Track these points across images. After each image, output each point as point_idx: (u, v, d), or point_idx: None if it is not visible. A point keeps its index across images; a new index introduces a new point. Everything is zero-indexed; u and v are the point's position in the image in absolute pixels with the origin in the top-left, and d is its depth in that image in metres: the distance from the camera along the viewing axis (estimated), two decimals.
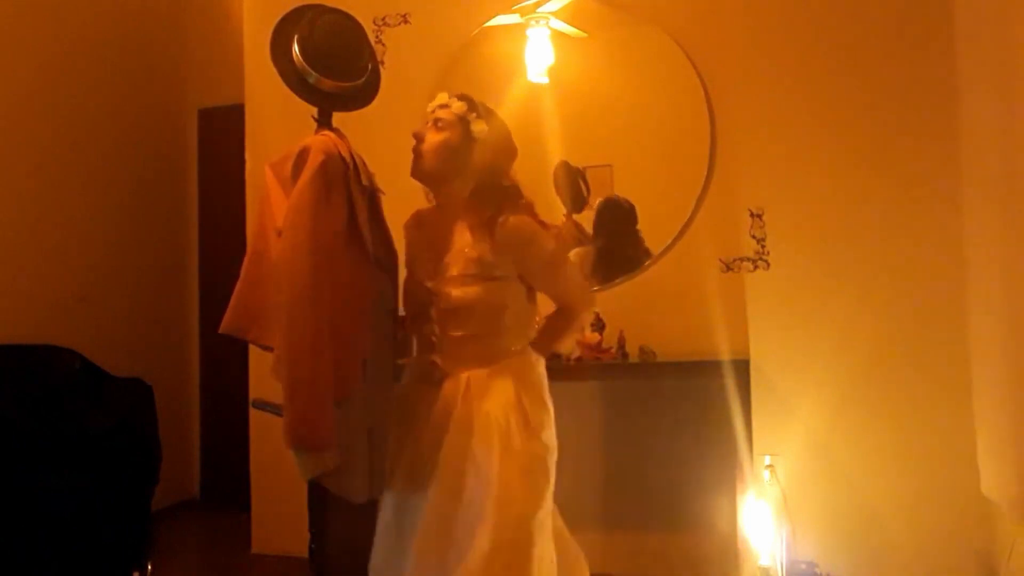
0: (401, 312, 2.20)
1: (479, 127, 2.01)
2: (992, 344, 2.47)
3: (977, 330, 2.67)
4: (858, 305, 2.90)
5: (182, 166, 4.96)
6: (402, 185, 2.15)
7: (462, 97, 2.04)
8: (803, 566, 2.77)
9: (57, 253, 4.01)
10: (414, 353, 2.18)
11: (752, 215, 3.13)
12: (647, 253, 3.50)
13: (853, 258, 2.94)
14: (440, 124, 2.02)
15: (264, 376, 2.63)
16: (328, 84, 2.18)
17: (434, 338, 2.04)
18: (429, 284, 2.03)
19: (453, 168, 2.02)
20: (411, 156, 2.07)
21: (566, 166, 3.59)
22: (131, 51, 4.57)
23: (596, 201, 3.58)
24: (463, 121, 2.01)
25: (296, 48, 2.19)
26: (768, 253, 3.11)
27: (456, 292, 1.98)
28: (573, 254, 3.48)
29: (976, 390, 2.69)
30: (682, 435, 3.36)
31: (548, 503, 1.97)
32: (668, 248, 3.46)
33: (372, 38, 2.96)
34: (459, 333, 2.00)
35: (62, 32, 4.11)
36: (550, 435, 2.02)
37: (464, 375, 1.99)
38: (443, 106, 2.04)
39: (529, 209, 2.03)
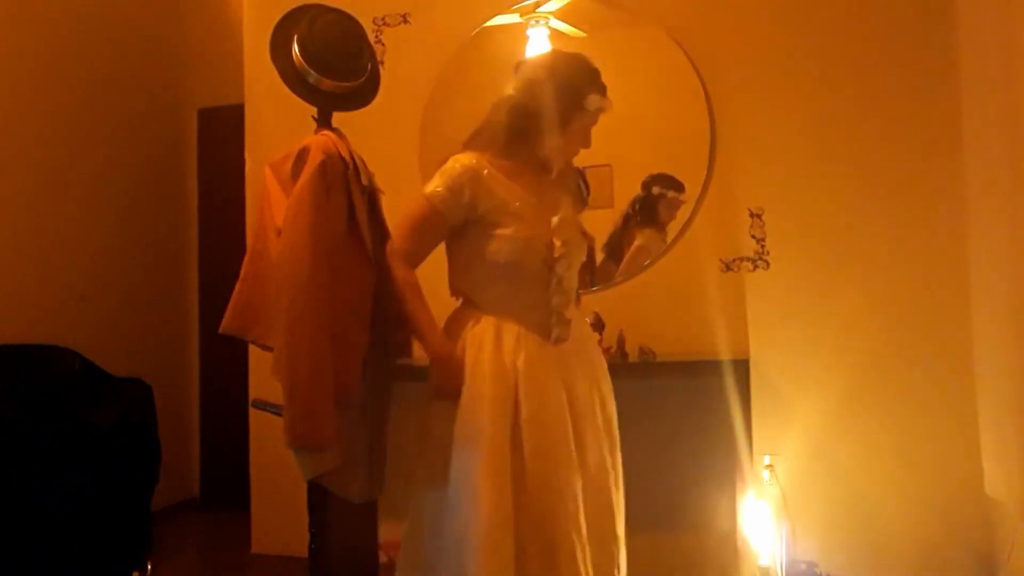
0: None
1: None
2: (998, 342, 2.46)
3: (981, 328, 2.66)
4: (858, 305, 2.90)
5: (182, 166, 4.95)
6: (402, 185, 2.15)
7: None
8: (803, 566, 2.77)
9: (57, 253, 4.01)
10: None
11: (752, 215, 3.13)
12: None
13: (853, 258, 2.94)
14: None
15: (264, 376, 2.63)
16: (328, 84, 2.18)
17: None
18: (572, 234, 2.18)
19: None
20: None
21: None
22: (131, 51, 4.56)
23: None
24: None
25: (296, 48, 2.19)
26: (768, 253, 3.11)
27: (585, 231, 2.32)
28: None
29: (980, 389, 2.68)
30: (682, 435, 3.35)
31: None
32: (668, 248, 3.46)
33: (372, 38, 2.97)
34: (575, 280, 2.20)
35: (62, 32, 4.11)
36: None
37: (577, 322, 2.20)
38: None
39: None
